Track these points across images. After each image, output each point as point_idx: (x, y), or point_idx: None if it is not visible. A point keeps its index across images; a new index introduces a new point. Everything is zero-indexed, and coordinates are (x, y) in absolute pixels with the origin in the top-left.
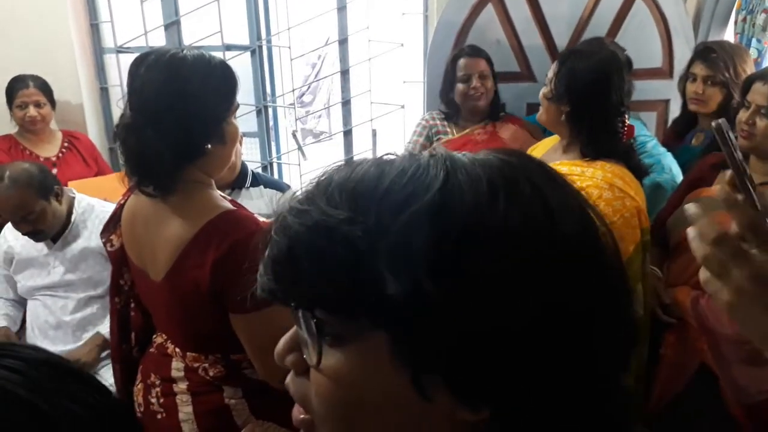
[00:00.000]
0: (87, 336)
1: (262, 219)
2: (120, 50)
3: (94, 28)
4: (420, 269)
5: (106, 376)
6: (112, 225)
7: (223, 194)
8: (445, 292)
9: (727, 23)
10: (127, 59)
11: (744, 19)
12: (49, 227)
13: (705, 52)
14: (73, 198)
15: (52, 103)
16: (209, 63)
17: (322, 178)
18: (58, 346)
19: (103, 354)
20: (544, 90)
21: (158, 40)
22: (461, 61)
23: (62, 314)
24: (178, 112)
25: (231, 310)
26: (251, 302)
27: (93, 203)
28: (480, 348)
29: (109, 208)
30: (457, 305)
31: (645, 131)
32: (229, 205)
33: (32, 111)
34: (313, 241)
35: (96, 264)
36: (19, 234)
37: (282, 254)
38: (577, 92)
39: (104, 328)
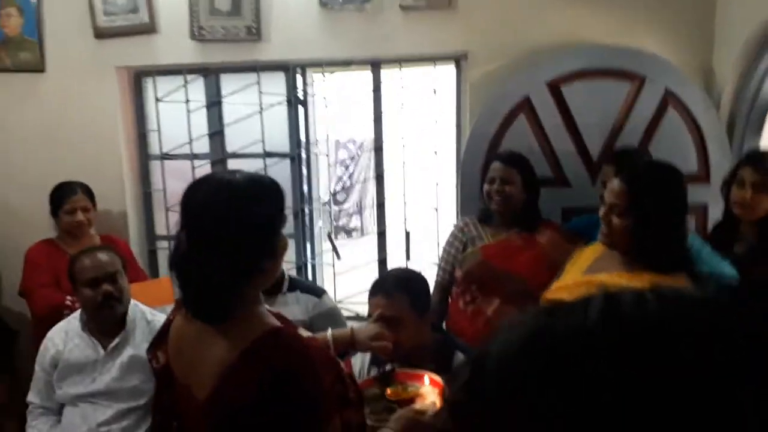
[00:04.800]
0: None
1: (301, 328)
2: (165, 157)
3: (142, 137)
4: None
5: None
6: (159, 341)
7: (269, 308)
8: None
9: (761, 129)
10: (171, 165)
11: None
12: (123, 300)
13: (755, 158)
14: (128, 302)
15: (95, 206)
16: (261, 183)
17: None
18: None
19: None
20: (603, 210)
21: (203, 147)
22: (493, 164)
23: (100, 425)
24: (238, 236)
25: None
26: (297, 426)
27: (144, 310)
28: None
29: (159, 317)
30: None
31: (698, 239)
32: (275, 322)
33: (80, 216)
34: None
35: (142, 374)
36: (70, 337)
37: None
38: (644, 206)
39: None
